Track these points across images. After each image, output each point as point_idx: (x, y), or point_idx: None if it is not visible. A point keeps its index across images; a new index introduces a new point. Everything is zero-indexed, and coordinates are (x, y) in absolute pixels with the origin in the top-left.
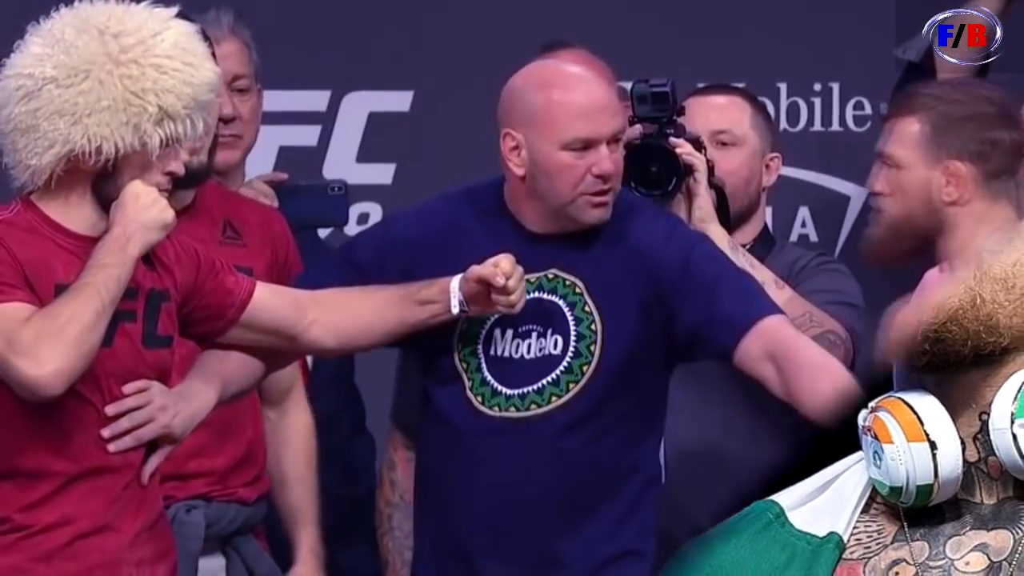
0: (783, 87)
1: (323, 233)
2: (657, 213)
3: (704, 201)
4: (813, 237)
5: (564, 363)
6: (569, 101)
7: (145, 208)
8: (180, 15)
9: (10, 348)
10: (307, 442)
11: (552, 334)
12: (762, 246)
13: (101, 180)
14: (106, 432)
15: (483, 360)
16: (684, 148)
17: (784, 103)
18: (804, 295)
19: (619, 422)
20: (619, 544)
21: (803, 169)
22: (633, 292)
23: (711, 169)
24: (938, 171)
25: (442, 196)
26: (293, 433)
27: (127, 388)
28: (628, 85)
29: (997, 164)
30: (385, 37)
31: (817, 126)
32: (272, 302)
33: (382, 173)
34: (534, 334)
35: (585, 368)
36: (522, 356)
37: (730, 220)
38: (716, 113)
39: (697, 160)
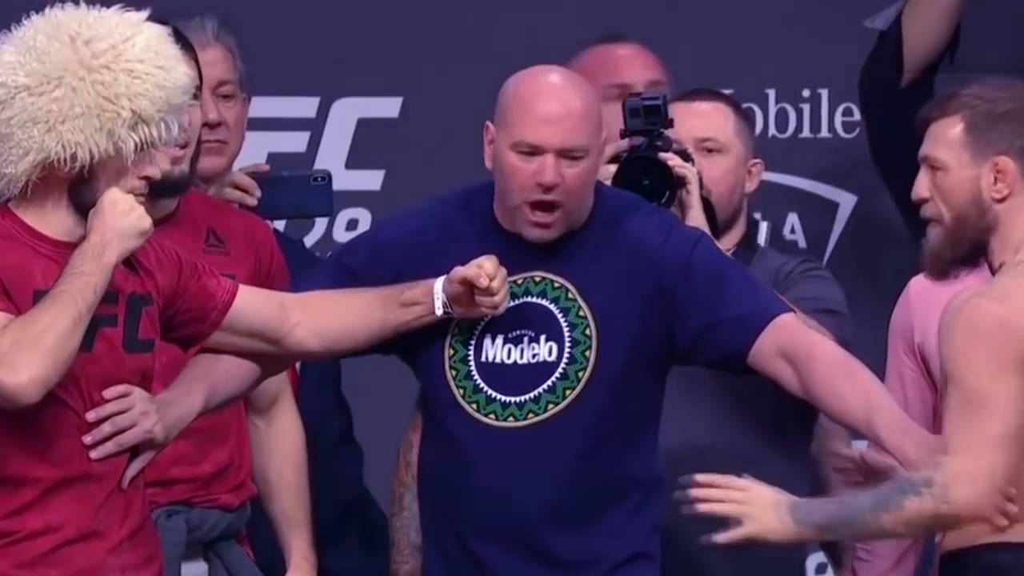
0: (771, 93)
1: (309, 242)
2: (652, 211)
3: (697, 213)
4: (802, 243)
5: (560, 370)
6: (526, 105)
7: (122, 215)
8: (152, 19)
9: None
10: (296, 449)
11: (546, 340)
12: (745, 251)
13: (77, 186)
14: (88, 439)
15: (473, 367)
16: (675, 160)
17: (772, 109)
18: (790, 302)
19: (620, 426)
20: (626, 548)
21: (792, 176)
22: (632, 293)
23: (699, 181)
24: (986, 168)
25: (437, 198)
26: (282, 440)
27: (108, 393)
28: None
29: None
30: (374, 44)
31: (806, 132)
32: (255, 305)
33: (371, 179)
34: (526, 339)
35: (581, 374)
36: (515, 362)
37: (717, 230)
38: (700, 120)
39: (689, 172)
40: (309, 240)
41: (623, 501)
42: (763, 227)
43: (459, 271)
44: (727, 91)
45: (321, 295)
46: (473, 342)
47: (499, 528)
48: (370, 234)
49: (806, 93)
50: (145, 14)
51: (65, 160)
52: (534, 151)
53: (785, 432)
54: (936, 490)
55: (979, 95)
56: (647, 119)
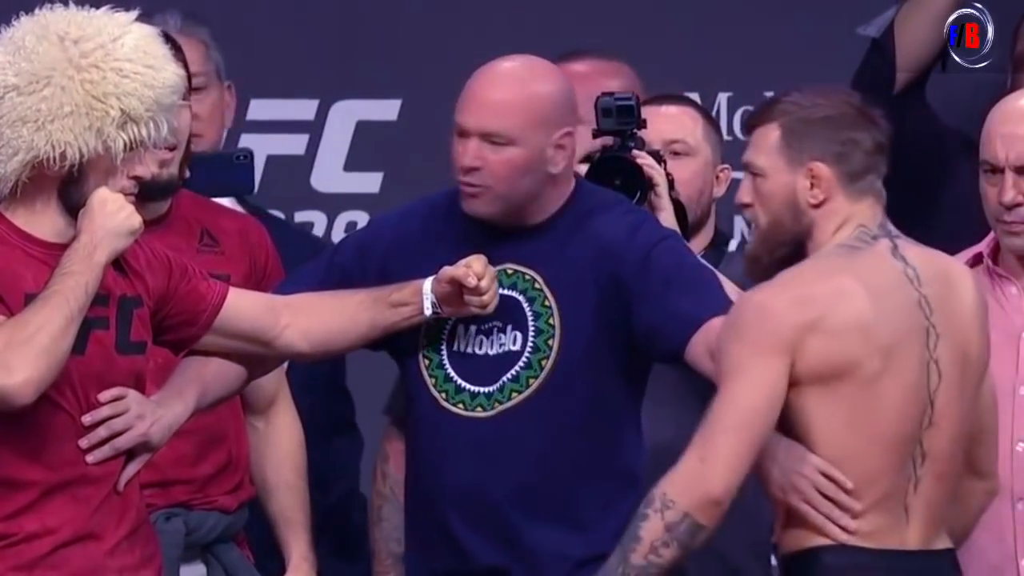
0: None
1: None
2: (629, 210)
3: (668, 215)
4: None
5: (524, 359)
6: (467, 86)
7: (112, 215)
8: (140, 19)
9: None
10: (295, 449)
11: (512, 330)
12: (713, 255)
13: (67, 186)
14: (83, 442)
15: (446, 357)
16: (646, 161)
17: None
18: None
19: (587, 418)
20: (592, 546)
21: None
22: (592, 286)
23: (671, 183)
24: (800, 174)
25: (423, 198)
26: (280, 440)
27: (103, 396)
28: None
29: (858, 164)
30: (373, 46)
31: None
32: (245, 307)
33: (369, 182)
34: (495, 330)
35: (544, 362)
36: (486, 353)
37: (688, 232)
38: (669, 123)
39: (657, 173)
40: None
41: (592, 496)
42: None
43: (447, 271)
44: (727, 94)
45: (310, 297)
46: (446, 333)
47: (474, 518)
48: (359, 233)
49: None
50: (134, 15)
51: (54, 159)
52: (462, 133)
53: None
54: (656, 503)
55: (797, 101)
56: (619, 119)
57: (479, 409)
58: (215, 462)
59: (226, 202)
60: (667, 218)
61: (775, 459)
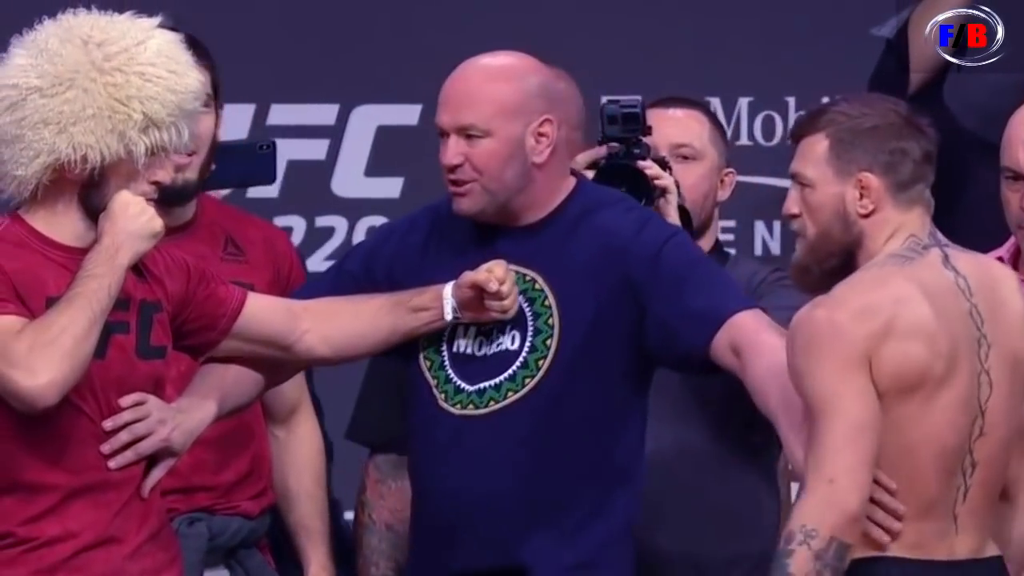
0: (791, 101)
1: (328, 250)
2: (631, 207)
3: (674, 222)
4: None
5: (521, 358)
6: (443, 86)
7: (133, 217)
8: (163, 25)
9: (3, 360)
10: (316, 459)
11: (511, 330)
12: (716, 259)
13: (88, 190)
14: (106, 447)
15: (446, 358)
16: (653, 170)
17: (792, 117)
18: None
19: (583, 419)
20: (580, 551)
21: None
22: (599, 284)
23: (676, 188)
24: (850, 184)
25: (430, 204)
26: (301, 450)
27: (124, 401)
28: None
29: (907, 173)
30: (394, 51)
31: None
32: (265, 312)
33: (390, 187)
34: (495, 331)
35: (541, 362)
36: (484, 353)
37: (693, 238)
38: (676, 127)
39: (668, 182)
40: (328, 248)
41: (581, 500)
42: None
43: (468, 276)
44: (747, 98)
45: (330, 302)
46: (447, 335)
47: (468, 518)
48: (367, 240)
49: (825, 100)
50: (157, 20)
51: (76, 162)
52: (442, 133)
53: (754, 447)
54: (798, 536)
55: (845, 111)
56: (625, 126)
57: (471, 407)
58: (238, 469)
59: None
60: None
61: None
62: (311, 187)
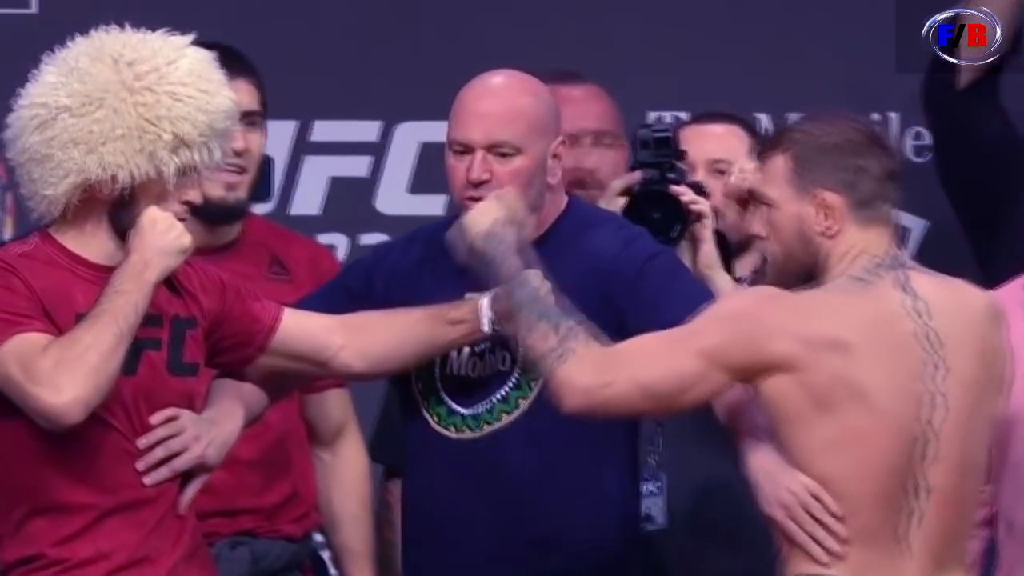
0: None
1: None
2: (621, 225)
3: (710, 247)
4: None
5: (512, 379)
6: (460, 105)
7: (162, 233)
8: (196, 43)
9: (28, 378)
10: (361, 482)
11: (501, 350)
12: (761, 278)
13: (118, 209)
14: (140, 464)
15: (438, 380)
16: (688, 195)
17: None
18: None
19: (579, 442)
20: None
21: None
22: (584, 301)
23: (715, 215)
24: (810, 204)
25: (426, 225)
26: (347, 472)
27: (155, 418)
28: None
29: (868, 191)
30: (438, 67)
31: None
32: (301, 327)
33: (434, 204)
34: (486, 352)
35: (533, 383)
36: (478, 375)
37: (731, 265)
38: (714, 142)
39: (705, 207)
40: None
41: (579, 519)
42: None
43: None
44: (795, 114)
45: (365, 316)
46: (438, 356)
47: (465, 541)
48: (366, 257)
49: (876, 116)
50: (189, 38)
51: (105, 182)
52: (465, 149)
53: None
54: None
55: (805, 129)
56: (657, 151)
57: (467, 430)
58: (281, 491)
59: None
60: (709, 250)
61: (768, 474)
62: (354, 204)
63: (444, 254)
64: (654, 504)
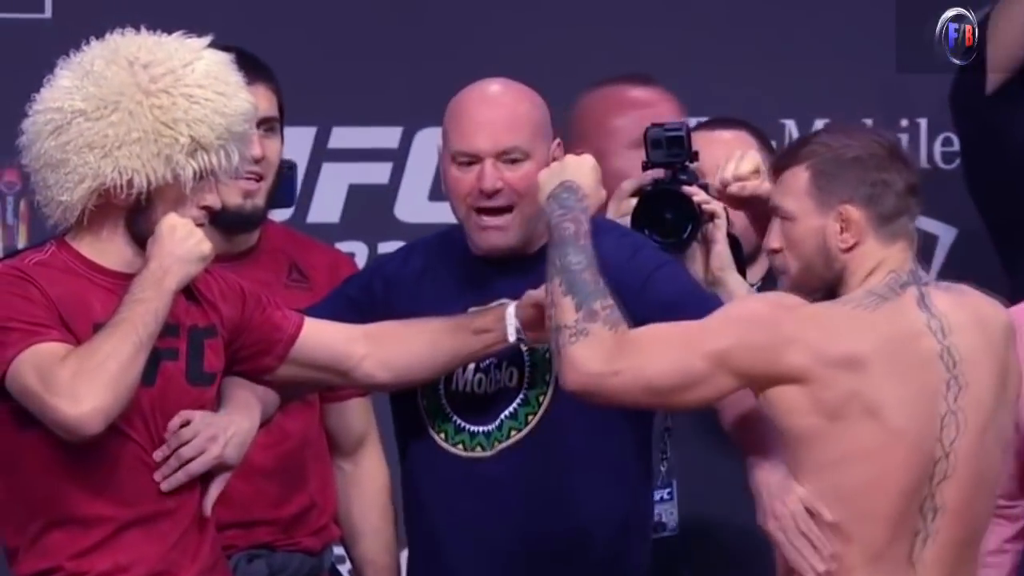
0: (868, 124)
1: None
2: (624, 234)
3: (723, 249)
4: None
5: (520, 395)
6: (460, 115)
7: (181, 240)
8: (213, 45)
9: (47, 388)
10: (382, 492)
11: (508, 366)
12: (770, 284)
13: (134, 215)
14: (157, 475)
15: (443, 396)
16: (701, 196)
17: None
18: None
19: (590, 457)
20: None
21: None
22: None
23: (727, 216)
24: (831, 217)
25: (427, 236)
26: (368, 483)
27: (170, 427)
28: (693, 119)
29: (890, 206)
30: (457, 72)
31: None
32: (322, 337)
33: None
34: (492, 367)
35: (542, 398)
36: (485, 391)
37: (744, 269)
38: (723, 149)
39: (716, 207)
40: None
41: (596, 543)
42: None
43: (532, 294)
44: (821, 120)
45: (389, 326)
46: None
47: (480, 559)
48: (368, 268)
49: (904, 123)
50: (206, 40)
51: (121, 187)
52: (472, 160)
53: None
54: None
55: (826, 142)
56: (669, 151)
57: (479, 449)
58: (300, 503)
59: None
60: (721, 251)
61: (769, 487)
62: (374, 212)
63: (444, 264)
64: (665, 511)
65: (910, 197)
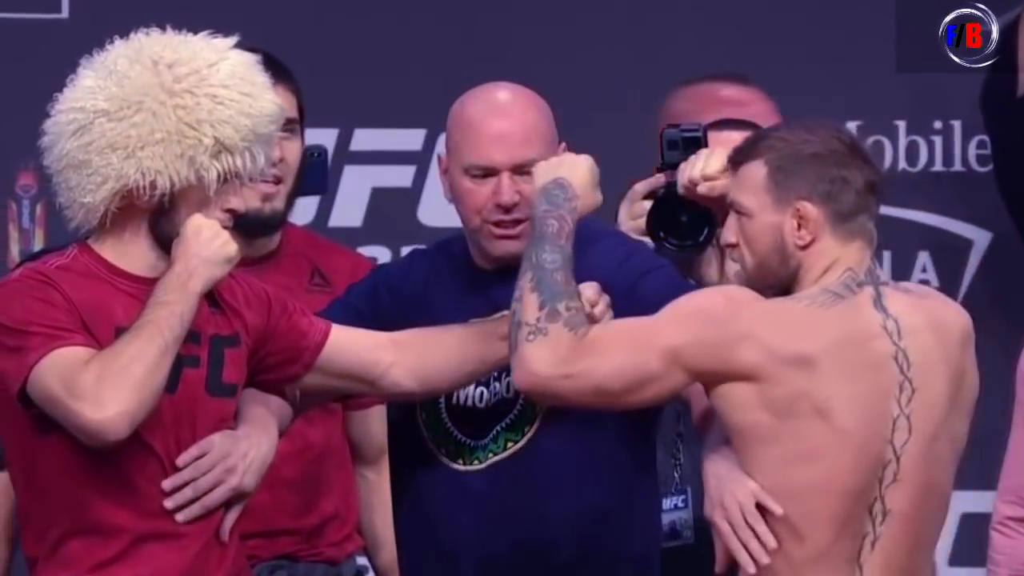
0: (901, 125)
1: None
2: (621, 241)
3: None
4: (934, 283)
5: (517, 406)
6: (473, 127)
7: (207, 242)
8: (239, 46)
9: (70, 393)
10: None
11: (505, 377)
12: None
13: (158, 218)
14: (169, 503)
15: (444, 411)
16: None
17: (903, 142)
18: None
19: (591, 469)
20: None
21: (923, 211)
22: None
23: None
24: (788, 214)
25: (428, 246)
26: (390, 492)
27: (180, 460)
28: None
29: (848, 203)
30: (481, 73)
31: (938, 166)
32: (349, 345)
33: None
34: (491, 379)
35: (538, 409)
36: (485, 405)
37: None
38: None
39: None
40: None
41: (598, 547)
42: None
43: None
44: (855, 123)
45: (415, 333)
46: None
47: (480, 574)
48: (370, 276)
49: (938, 125)
50: (232, 40)
51: (144, 188)
52: (487, 172)
53: None
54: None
55: (784, 137)
56: (686, 152)
57: (476, 462)
58: (322, 513)
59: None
60: None
61: (719, 478)
62: (396, 215)
63: (446, 272)
64: (679, 519)
65: (870, 195)
